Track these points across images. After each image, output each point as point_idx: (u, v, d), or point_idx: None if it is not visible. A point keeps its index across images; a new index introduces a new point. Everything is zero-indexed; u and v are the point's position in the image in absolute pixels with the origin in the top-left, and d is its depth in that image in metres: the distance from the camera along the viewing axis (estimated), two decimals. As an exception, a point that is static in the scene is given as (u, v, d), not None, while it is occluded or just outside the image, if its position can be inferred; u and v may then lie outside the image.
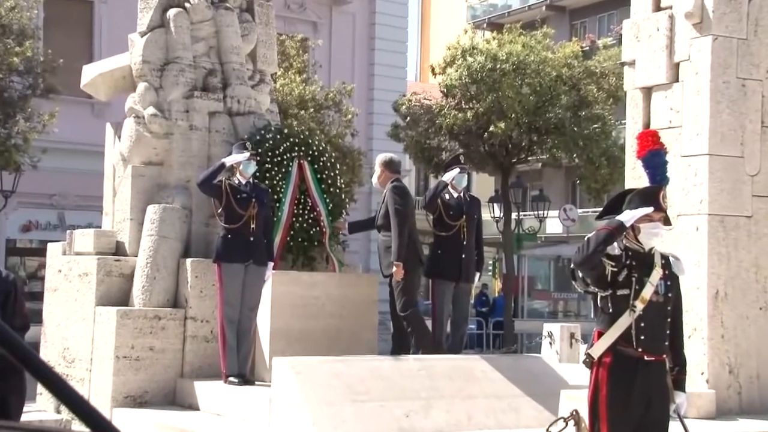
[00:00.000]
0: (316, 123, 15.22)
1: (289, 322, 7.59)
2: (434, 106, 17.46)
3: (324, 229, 8.39)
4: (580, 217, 25.48)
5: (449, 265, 8.00)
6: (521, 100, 16.02)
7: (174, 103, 8.53)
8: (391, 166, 7.88)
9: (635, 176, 7.35)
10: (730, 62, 7.10)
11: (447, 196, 8.09)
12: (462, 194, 8.17)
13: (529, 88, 16.19)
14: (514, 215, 20.98)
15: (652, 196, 4.28)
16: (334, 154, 9.41)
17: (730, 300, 6.99)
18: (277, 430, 6.17)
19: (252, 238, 7.49)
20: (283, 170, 8.31)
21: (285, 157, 8.32)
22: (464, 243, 8.01)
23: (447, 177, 8.09)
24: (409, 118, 17.77)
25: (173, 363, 7.67)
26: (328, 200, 8.50)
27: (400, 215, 7.57)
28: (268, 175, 8.22)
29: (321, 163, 8.56)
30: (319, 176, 8.50)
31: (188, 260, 7.94)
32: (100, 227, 8.87)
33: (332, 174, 8.63)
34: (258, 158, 7.98)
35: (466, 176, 8.20)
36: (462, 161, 8.28)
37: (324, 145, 8.97)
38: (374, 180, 8.04)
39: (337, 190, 8.67)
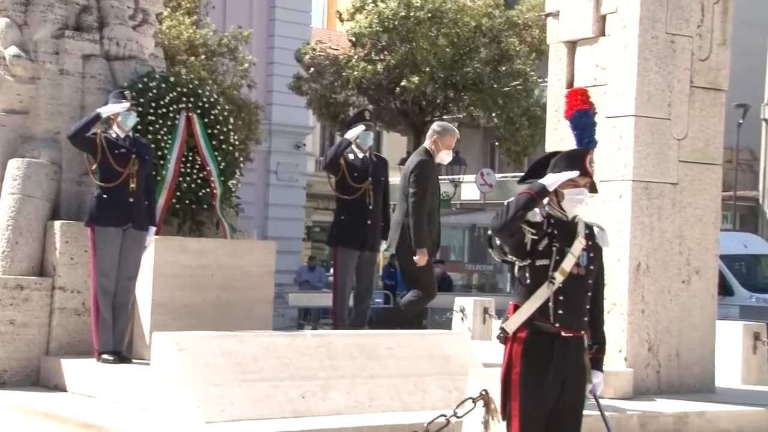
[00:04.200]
0: (207, 71, 14.94)
1: (173, 294, 7.50)
2: (341, 57, 17.36)
3: (214, 191, 8.28)
4: (498, 182, 25.85)
5: (353, 232, 8.02)
6: (437, 53, 16.08)
7: (41, 43, 8.25)
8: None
9: (557, 138, 7.47)
10: (660, 16, 7.24)
11: (351, 156, 8.08)
12: (368, 154, 8.18)
13: (446, 40, 16.25)
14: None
15: (577, 160, 4.34)
16: (227, 107, 9.29)
17: (652, 273, 7.20)
18: (156, 414, 6.09)
19: (131, 199, 7.35)
20: (169, 123, 8.17)
21: (171, 108, 8.19)
22: (370, 208, 8.04)
23: (351, 134, 8.08)
24: (313, 69, 17.63)
25: (38, 339, 7.50)
26: (219, 158, 8.40)
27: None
28: (151, 128, 8.07)
29: (212, 117, 8.44)
30: (209, 131, 8.39)
31: (57, 223, 7.73)
32: (-46, 184, 8.52)
33: (225, 129, 8.53)
34: (139, 109, 7.81)
35: (371, 134, 8.21)
36: (368, 117, 8.29)
37: (216, 97, 8.83)
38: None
39: (230, 148, 8.57)
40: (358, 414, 6.09)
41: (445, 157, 7.90)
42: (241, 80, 16.40)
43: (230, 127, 8.64)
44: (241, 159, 9.76)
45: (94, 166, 7.41)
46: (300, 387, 6.13)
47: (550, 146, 7.44)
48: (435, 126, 7.94)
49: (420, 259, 7.65)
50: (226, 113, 8.74)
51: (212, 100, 8.57)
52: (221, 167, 8.39)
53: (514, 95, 16.57)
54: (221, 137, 8.48)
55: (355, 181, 8.03)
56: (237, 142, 8.91)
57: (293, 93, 18.53)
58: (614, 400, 6.59)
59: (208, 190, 8.29)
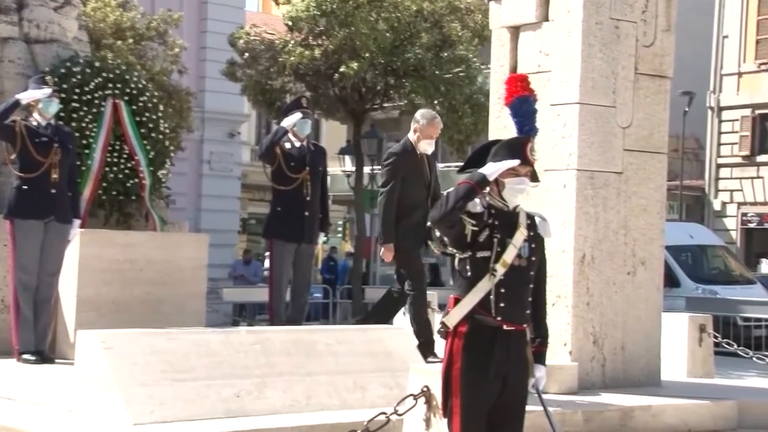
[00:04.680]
0: (135, 56, 14.73)
1: (100, 289, 7.43)
2: (277, 42, 17.24)
3: (143, 181, 8.22)
4: (441, 171, 25.75)
5: (290, 223, 8.00)
6: (377, 38, 16.05)
7: (-45, 25, 8.09)
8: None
9: (500, 126, 7.52)
10: (604, 1, 7.33)
11: (288, 145, 8.06)
12: (305, 143, 8.17)
13: (386, 24, 16.23)
14: (367, 169, 21.12)
15: (518, 148, 4.36)
16: (156, 94, 9.25)
17: (597, 264, 7.30)
18: (81, 416, 6.01)
19: (53, 191, 7.24)
20: (94, 110, 8.11)
21: (96, 95, 8.13)
22: (307, 199, 8.03)
23: (287, 122, 8.05)
24: (247, 54, 17.47)
25: (-46, 338, 7.35)
26: (148, 147, 8.36)
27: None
28: (75, 115, 8.00)
29: (140, 104, 8.39)
30: (137, 119, 8.34)
31: (-27, 216, 7.57)
32: None
33: (154, 117, 8.49)
34: (62, 95, 7.71)
35: (309, 122, 8.20)
36: (305, 105, 8.28)
37: (144, 83, 8.78)
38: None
39: (160, 136, 8.53)
40: (295, 413, 6.08)
41: (426, 147, 7.65)
42: (172, 65, 16.21)
43: (160, 114, 8.61)
44: (172, 148, 9.70)
45: (13, 156, 7.31)
46: (234, 386, 6.10)
47: (493, 134, 7.49)
48: (416, 114, 7.79)
49: (385, 254, 7.55)
50: (155, 100, 8.69)
51: (140, 86, 8.52)
52: (150, 156, 8.35)
53: (457, 82, 16.60)
54: (150, 125, 8.43)
55: (292, 171, 8.01)
56: (167, 131, 8.88)
57: (227, 79, 18.35)
58: (558, 394, 6.67)
59: (136, 180, 8.24)
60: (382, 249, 7.58)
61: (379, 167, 23.65)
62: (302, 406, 6.19)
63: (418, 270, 7.66)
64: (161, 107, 8.79)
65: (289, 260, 8.08)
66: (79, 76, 8.09)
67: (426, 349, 7.24)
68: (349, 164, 22.22)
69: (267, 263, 16.38)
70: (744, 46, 27.56)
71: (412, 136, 7.65)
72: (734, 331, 13.69)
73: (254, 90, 17.64)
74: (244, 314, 16.81)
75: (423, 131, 7.60)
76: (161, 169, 8.58)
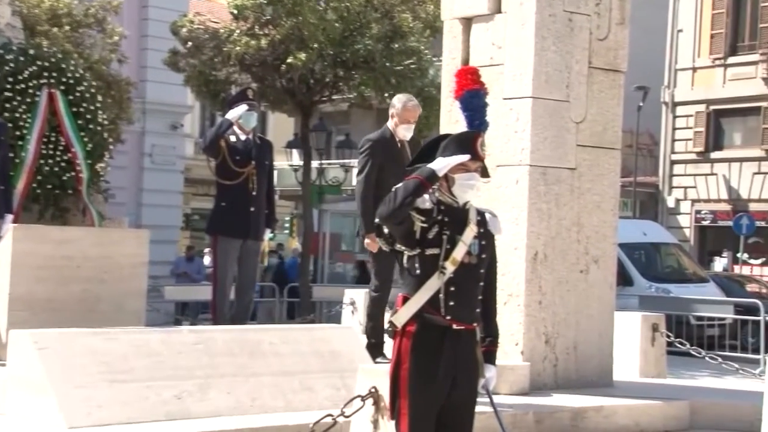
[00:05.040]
0: (72, 44, 14.54)
1: (34, 287, 7.33)
2: (222, 31, 17.11)
3: (80, 175, 8.14)
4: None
5: (235, 219, 7.97)
6: (325, 28, 16.01)
7: None
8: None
9: (452, 120, 7.55)
10: (557, -8, 7.39)
11: (233, 138, 8.03)
12: (251, 136, 8.14)
13: (335, 14, 16.20)
14: (315, 163, 21.07)
15: (468, 143, 4.38)
16: (95, 84, 9.18)
17: (549, 262, 7.37)
18: (13, 420, 5.92)
19: (-15, 184, 7.13)
20: (28, 101, 8.03)
21: (30, 84, 8.05)
22: (253, 194, 8.01)
23: (232, 115, 8.02)
24: (190, 43, 17.32)
25: None
26: (86, 139, 8.30)
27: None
28: (7, 105, 7.94)
29: (78, 94, 8.32)
30: (74, 110, 8.27)
31: None
32: None
33: (92, 107, 8.42)
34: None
35: (255, 114, 8.17)
36: (251, 96, 8.24)
37: (82, 72, 8.71)
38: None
39: (98, 128, 8.47)
40: (239, 415, 6.06)
41: (404, 132, 7.36)
42: (111, 54, 16.02)
43: (98, 105, 8.54)
44: (111, 140, 9.63)
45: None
46: (175, 387, 6.06)
47: (444, 128, 7.52)
48: (393, 100, 7.59)
49: (370, 244, 7.12)
50: (93, 90, 8.62)
51: (77, 75, 8.44)
52: (88, 149, 8.28)
53: (408, 74, 16.62)
54: (88, 116, 8.36)
55: (237, 165, 7.98)
56: (106, 122, 8.82)
57: (169, 69, 18.17)
58: (509, 395, 6.72)
59: (73, 174, 8.17)
60: (366, 240, 7.24)
61: (328, 162, 23.41)
62: (246, 408, 6.17)
63: (387, 269, 7.33)
64: (100, 97, 8.73)
65: (233, 257, 8.05)
66: (12, 65, 7.99)
67: (375, 349, 7.22)
68: (296, 158, 22.12)
69: (209, 260, 16.29)
70: (698, 41, 27.96)
71: (390, 122, 7.41)
72: (687, 331, 13.90)
73: (198, 80, 17.50)
74: (186, 313, 16.70)
75: (400, 116, 7.35)
76: (99, 162, 8.51)
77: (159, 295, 15.81)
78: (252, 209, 8.00)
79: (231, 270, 8.10)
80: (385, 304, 7.45)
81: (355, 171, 26.12)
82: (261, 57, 16.55)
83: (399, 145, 7.38)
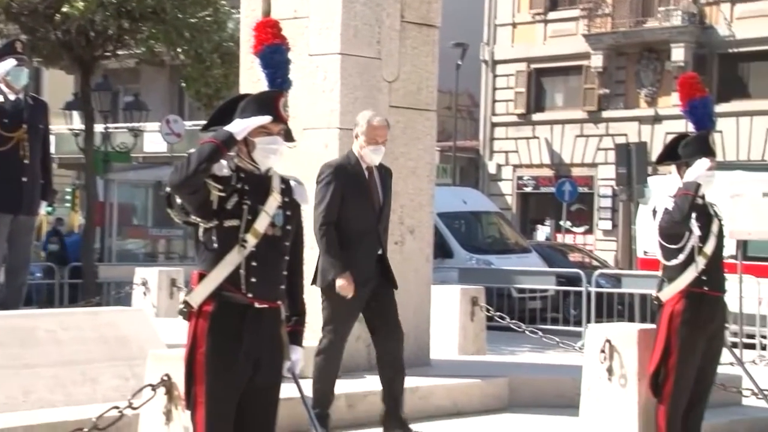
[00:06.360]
0: None
1: None
2: (-15, -26, 16.39)
3: None
4: (187, 131, 25.65)
5: (4, 191, 7.74)
6: (108, -28, 15.61)
7: None
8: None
9: (252, 79, 7.53)
10: (366, -61, 7.48)
11: (0, 98, 7.75)
12: (21, 95, 7.91)
13: (118, -44, 15.82)
14: (100, 127, 20.54)
15: (269, 103, 4.39)
16: None
17: (361, 233, 7.48)
18: None
19: None
20: None
21: None
22: (25, 162, 7.80)
23: (-2, 71, 7.73)
24: (-53, -12, 16.51)
25: None
26: None
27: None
28: None
29: None
30: None
31: None
32: None
33: None
34: None
35: (26, 70, 7.94)
36: (20, 50, 7.98)
37: None
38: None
39: None
40: (10, 412, 5.91)
41: (372, 156, 6.56)
42: None
43: None
44: None
45: None
46: (-67, 383, 5.84)
47: (245, 88, 7.51)
48: (357, 117, 6.72)
49: (343, 287, 6.45)
50: None
51: None
52: None
53: (204, 28, 16.40)
54: None
55: (6, 130, 7.74)
56: None
57: None
58: (319, 379, 6.79)
59: None
60: (339, 282, 6.46)
61: (114, 125, 22.89)
62: (18, 403, 6.03)
63: (345, 315, 6.63)
64: None
65: (4, 234, 7.81)
66: None
67: (322, 422, 6.11)
68: (77, 121, 21.53)
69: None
70: (518, -5, 28.85)
71: (354, 145, 6.64)
72: (509, 304, 14.47)
73: (-43, 31, 16.72)
74: (-51, 300, 15.98)
75: (366, 135, 6.54)
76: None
77: None
78: (24, 180, 7.77)
79: (1, 249, 7.85)
80: (339, 360, 6.64)
81: (147, 136, 25.67)
82: (31, 5, 15.95)
83: (366, 172, 6.63)
